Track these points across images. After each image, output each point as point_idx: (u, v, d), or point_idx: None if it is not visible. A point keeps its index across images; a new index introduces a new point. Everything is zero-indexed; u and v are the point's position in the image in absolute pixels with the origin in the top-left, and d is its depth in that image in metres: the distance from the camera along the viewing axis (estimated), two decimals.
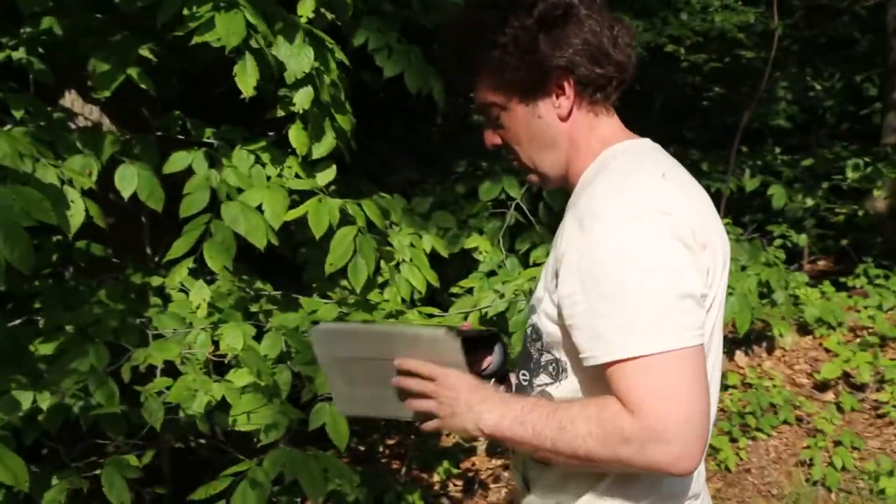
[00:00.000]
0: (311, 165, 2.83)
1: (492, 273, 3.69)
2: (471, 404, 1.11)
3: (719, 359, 1.19)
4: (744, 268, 4.33)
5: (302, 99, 2.54)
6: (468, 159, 4.50)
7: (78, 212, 2.13)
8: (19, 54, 2.44)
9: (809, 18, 6.60)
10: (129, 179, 2.45)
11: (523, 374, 1.22)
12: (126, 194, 2.44)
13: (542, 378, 1.17)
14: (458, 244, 3.79)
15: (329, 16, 2.73)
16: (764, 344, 4.59)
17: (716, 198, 5.60)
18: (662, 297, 1.00)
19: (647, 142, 1.22)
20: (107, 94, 2.38)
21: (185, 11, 2.31)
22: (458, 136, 4.94)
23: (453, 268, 3.77)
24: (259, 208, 2.50)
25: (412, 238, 3.43)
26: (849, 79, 6.03)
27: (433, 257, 3.42)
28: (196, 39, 2.30)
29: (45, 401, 1.93)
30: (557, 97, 1.18)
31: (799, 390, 4.34)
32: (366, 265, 2.59)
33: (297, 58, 2.50)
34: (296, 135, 2.62)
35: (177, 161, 2.60)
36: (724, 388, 4.27)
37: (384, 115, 4.35)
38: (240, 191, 2.55)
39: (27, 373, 2.11)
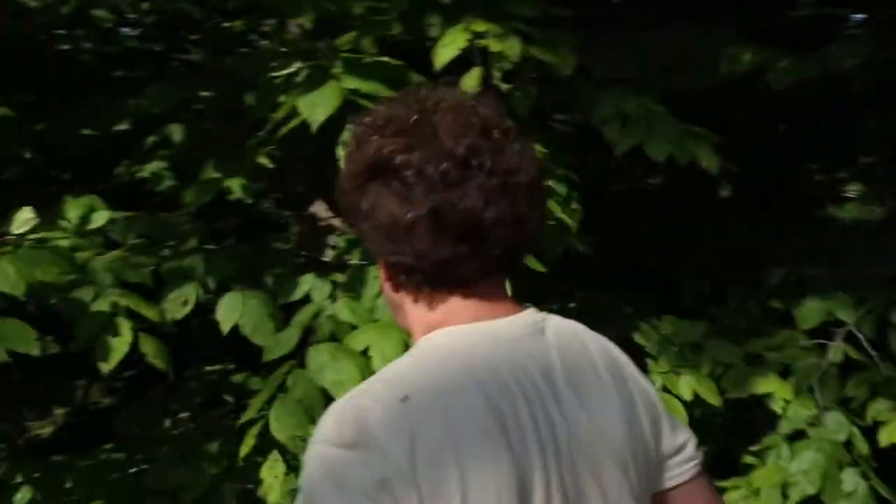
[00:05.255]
0: None
1: (798, 435, 2.57)
2: None
3: None
4: None
5: None
6: (793, 260, 3.23)
7: (122, 342, 1.80)
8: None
9: None
10: (233, 308, 2.02)
11: None
12: (226, 327, 2.01)
13: None
14: (744, 388, 2.66)
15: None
16: None
17: None
18: None
19: (456, 336, 0.93)
20: None
21: None
22: (783, 224, 3.52)
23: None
24: (365, 353, 1.88)
25: (665, 378, 2.54)
26: None
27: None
28: None
29: None
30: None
31: None
32: None
33: None
34: None
35: (301, 286, 2.12)
36: None
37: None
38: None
39: None
